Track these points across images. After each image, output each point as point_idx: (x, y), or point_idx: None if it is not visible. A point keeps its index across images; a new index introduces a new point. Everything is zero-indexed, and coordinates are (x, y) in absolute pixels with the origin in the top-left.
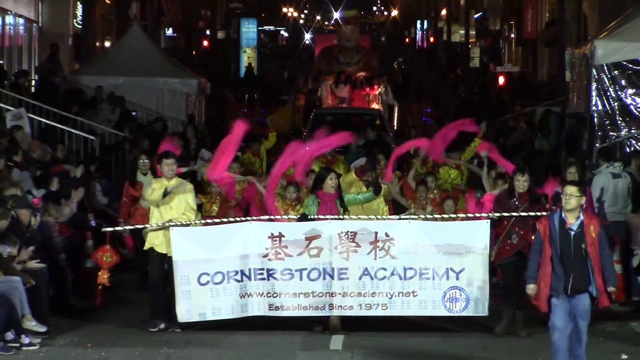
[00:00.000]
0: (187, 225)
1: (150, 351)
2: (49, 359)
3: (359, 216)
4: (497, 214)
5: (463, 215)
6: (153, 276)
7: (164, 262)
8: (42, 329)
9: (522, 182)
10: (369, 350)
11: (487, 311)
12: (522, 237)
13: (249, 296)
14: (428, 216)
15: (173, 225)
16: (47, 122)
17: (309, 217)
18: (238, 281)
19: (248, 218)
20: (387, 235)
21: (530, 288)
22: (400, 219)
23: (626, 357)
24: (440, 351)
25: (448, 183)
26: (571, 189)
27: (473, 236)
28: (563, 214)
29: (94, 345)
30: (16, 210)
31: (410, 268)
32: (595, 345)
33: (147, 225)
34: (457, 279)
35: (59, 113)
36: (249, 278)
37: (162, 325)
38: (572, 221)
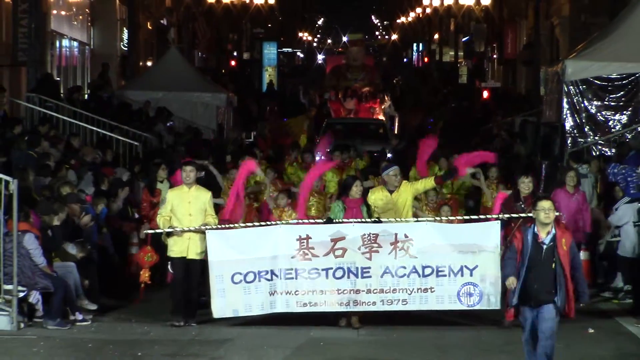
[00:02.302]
0: (226, 228)
1: (185, 326)
2: (99, 333)
3: (380, 218)
4: (506, 215)
5: (475, 217)
6: (175, 279)
7: (184, 266)
8: (93, 307)
9: (526, 184)
10: (375, 327)
11: (499, 305)
12: None
13: (278, 294)
14: (443, 218)
15: (209, 229)
16: (98, 130)
17: (334, 220)
18: (268, 280)
19: (277, 222)
20: (406, 236)
21: (510, 280)
22: (418, 221)
23: (592, 330)
24: (436, 338)
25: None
26: (548, 204)
27: (485, 236)
28: (536, 229)
29: (137, 321)
30: (67, 204)
31: (428, 266)
32: (563, 321)
33: (185, 229)
34: (471, 275)
35: (108, 122)
36: (279, 277)
37: (181, 323)
38: (544, 235)
